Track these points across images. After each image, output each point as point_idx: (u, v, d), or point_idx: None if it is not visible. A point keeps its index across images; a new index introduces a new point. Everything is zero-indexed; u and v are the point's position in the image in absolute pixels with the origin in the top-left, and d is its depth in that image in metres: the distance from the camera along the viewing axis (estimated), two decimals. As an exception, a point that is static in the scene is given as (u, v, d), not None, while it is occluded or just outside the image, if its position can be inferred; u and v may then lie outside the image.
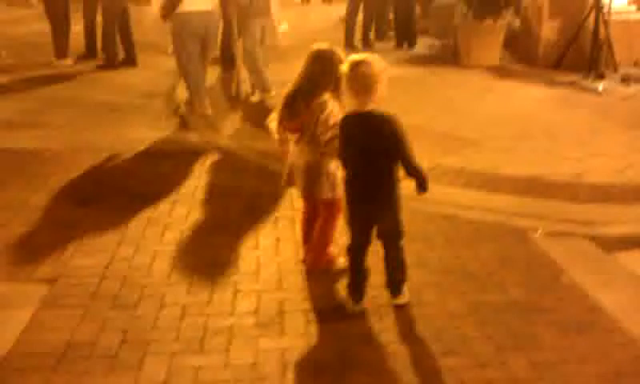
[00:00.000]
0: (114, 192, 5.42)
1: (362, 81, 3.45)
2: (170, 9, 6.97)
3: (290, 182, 4.16)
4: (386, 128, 3.46)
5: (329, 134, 3.77)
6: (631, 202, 5.17)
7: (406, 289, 3.81)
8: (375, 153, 3.52)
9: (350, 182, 3.67)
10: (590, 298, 3.88)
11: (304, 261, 4.21)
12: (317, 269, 4.13)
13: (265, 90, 7.98)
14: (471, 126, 6.85)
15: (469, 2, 9.27)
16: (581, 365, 3.29)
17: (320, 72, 3.82)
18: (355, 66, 3.45)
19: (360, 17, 11.09)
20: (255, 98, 8.05)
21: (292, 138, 4.06)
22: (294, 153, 4.03)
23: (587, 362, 3.31)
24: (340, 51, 3.89)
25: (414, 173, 3.53)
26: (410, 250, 3.91)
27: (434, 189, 5.31)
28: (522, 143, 6.40)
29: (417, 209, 4.75)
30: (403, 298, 3.79)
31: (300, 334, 3.53)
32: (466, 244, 4.56)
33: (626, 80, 8.33)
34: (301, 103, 3.85)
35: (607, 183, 5.47)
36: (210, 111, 7.48)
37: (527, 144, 6.37)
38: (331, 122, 3.77)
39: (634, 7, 9.03)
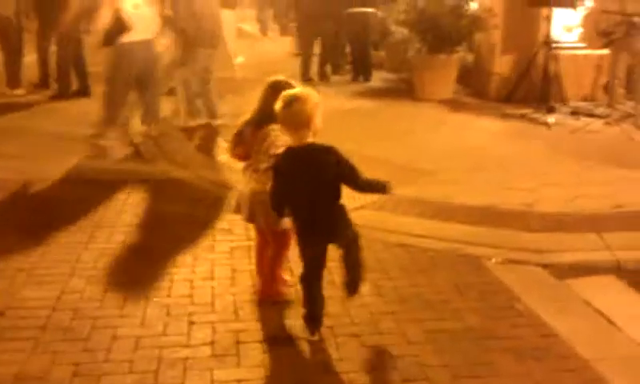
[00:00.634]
0: (63, 222, 5.29)
1: (297, 118, 3.50)
2: (113, 38, 6.92)
3: (239, 211, 4.15)
4: (330, 157, 3.50)
5: (265, 164, 3.79)
6: (582, 230, 5.27)
7: (364, 289, 3.84)
8: (321, 183, 3.54)
9: (296, 215, 3.67)
10: (544, 324, 3.92)
11: (256, 292, 4.17)
12: (268, 299, 4.06)
13: (212, 116, 8.04)
14: (426, 157, 6.92)
15: (423, 36, 9.44)
16: (537, 390, 3.32)
17: (272, 103, 3.72)
18: (289, 103, 3.49)
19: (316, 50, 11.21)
20: (192, 123, 8.04)
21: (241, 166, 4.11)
22: (242, 181, 4.06)
23: (542, 387, 3.35)
24: (295, 84, 3.89)
25: (370, 189, 3.64)
26: (367, 279, 3.90)
27: (389, 218, 5.46)
28: (475, 174, 6.50)
29: (373, 238, 4.79)
30: (359, 298, 3.85)
31: (256, 365, 3.47)
32: (421, 272, 4.58)
33: (575, 113, 8.56)
34: (248, 131, 3.91)
35: (558, 212, 5.58)
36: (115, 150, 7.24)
37: (480, 175, 6.47)
38: (272, 151, 3.77)
39: (582, 44, 9.32)
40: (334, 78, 11.26)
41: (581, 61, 9.31)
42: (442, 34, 9.20)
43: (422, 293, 4.29)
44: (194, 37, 7.64)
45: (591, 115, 8.49)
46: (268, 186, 3.73)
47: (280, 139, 3.77)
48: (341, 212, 3.64)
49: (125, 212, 5.56)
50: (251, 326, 3.83)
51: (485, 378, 3.39)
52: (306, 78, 10.83)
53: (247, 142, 3.94)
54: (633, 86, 8.35)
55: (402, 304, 4.13)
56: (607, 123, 8.09)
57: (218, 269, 4.53)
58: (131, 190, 6.05)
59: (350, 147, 3.72)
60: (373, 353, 3.62)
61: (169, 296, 4.17)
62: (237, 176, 4.18)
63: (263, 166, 3.81)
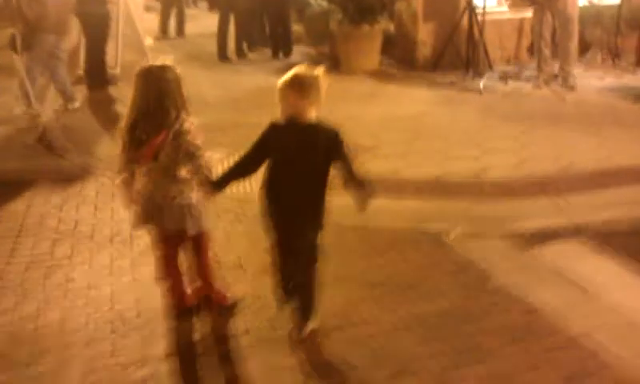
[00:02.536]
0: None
1: (306, 98, 3.15)
2: None
3: (143, 221, 3.51)
4: (337, 140, 3.19)
5: (203, 159, 3.34)
6: (534, 195, 5.15)
7: (311, 323, 3.42)
8: (317, 168, 3.22)
9: (274, 194, 3.30)
10: (521, 300, 3.75)
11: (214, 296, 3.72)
12: (223, 302, 3.69)
13: (68, 100, 7.79)
14: (363, 132, 6.64)
15: (344, 7, 9.13)
16: (534, 371, 3.12)
17: (164, 91, 3.27)
18: (297, 81, 3.15)
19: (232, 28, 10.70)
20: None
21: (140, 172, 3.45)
22: (146, 186, 3.43)
23: (538, 368, 3.15)
24: (169, 62, 3.37)
25: (363, 186, 3.30)
26: (330, 266, 3.58)
27: (338, 200, 5.14)
28: (416, 146, 6.28)
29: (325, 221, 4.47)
30: (306, 330, 3.40)
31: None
32: (384, 255, 4.33)
33: (503, 78, 8.49)
34: (147, 127, 3.26)
35: (507, 179, 5.45)
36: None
37: (421, 146, 6.27)
38: (198, 141, 3.33)
39: (504, 7, 9.25)
40: (252, 56, 10.80)
41: (503, 24, 9.26)
42: (364, 3, 8.91)
43: (391, 276, 4.03)
44: (35, 22, 7.14)
45: (519, 78, 8.44)
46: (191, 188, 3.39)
47: (193, 126, 3.35)
48: (322, 209, 3.32)
49: (46, 217, 5.00)
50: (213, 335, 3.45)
51: (475, 366, 3.17)
52: (223, 57, 10.35)
53: (150, 140, 3.26)
54: (557, 46, 8.32)
55: (372, 289, 3.86)
56: (536, 86, 8.05)
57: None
58: (50, 192, 5.48)
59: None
60: (355, 346, 3.32)
61: (111, 310, 3.72)
62: (130, 187, 3.53)
63: (203, 158, 3.34)
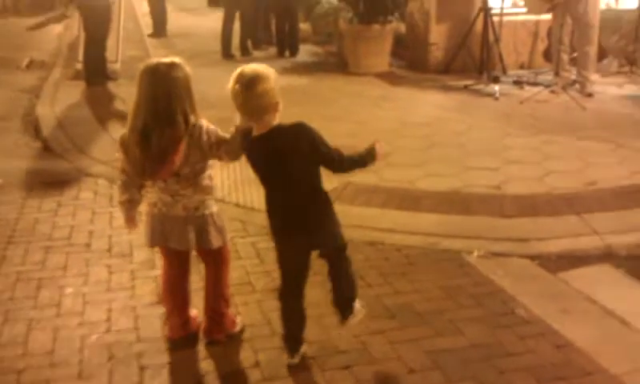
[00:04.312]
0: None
1: (262, 100, 2.79)
2: None
3: (159, 241, 3.16)
4: (302, 138, 2.86)
5: (234, 143, 2.96)
6: (561, 213, 4.83)
7: (359, 306, 3.23)
8: (296, 170, 2.90)
9: (271, 214, 3.02)
10: (555, 332, 3.42)
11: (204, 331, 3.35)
12: (221, 337, 3.30)
13: None
14: (374, 137, 6.30)
15: (354, 6, 8.81)
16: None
17: (175, 91, 2.91)
18: (249, 84, 2.76)
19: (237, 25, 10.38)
20: None
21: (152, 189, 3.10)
22: (160, 203, 3.07)
23: (580, 415, 2.84)
24: (178, 59, 3.00)
25: (357, 165, 3.09)
26: (360, 297, 3.29)
27: (351, 211, 4.84)
28: (431, 154, 5.98)
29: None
30: (356, 317, 3.22)
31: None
32: (402, 276, 4.01)
33: (518, 82, 8.18)
34: (162, 136, 2.86)
35: (531, 194, 5.14)
36: None
37: (437, 154, 5.96)
38: (219, 133, 3.01)
39: (520, 9, 8.93)
40: (256, 54, 10.48)
41: (518, 27, 8.96)
42: (376, 2, 8.59)
43: (410, 302, 3.70)
44: None
45: (535, 84, 8.13)
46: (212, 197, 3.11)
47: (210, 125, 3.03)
48: (325, 206, 3.02)
49: (39, 223, 4.69)
50: (219, 367, 3.13)
51: (510, 411, 2.86)
52: (227, 55, 10.04)
53: (169, 152, 2.90)
54: (574, 52, 8.01)
55: (391, 319, 3.53)
56: (553, 92, 7.73)
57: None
58: (44, 195, 5.17)
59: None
60: (371, 387, 3.01)
61: (107, 331, 3.39)
62: (134, 211, 3.21)
63: (233, 144, 2.96)
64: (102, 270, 4.01)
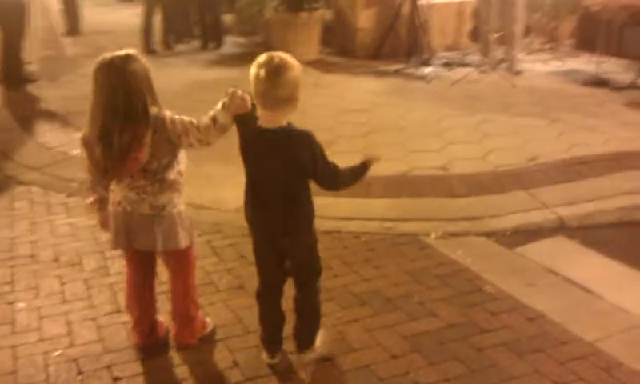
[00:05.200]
0: None
1: (283, 90, 2.63)
2: None
3: (123, 243, 2.99)
4: (305, 148, 2.74)
5: (208, 132, 2.81)
6: (507, 189, 4.93)
7: (319, 342, 3.08)
8: (290, 177, 2.78)
9: (252, 205, 2.89)
10: (524, 306, 3.48)
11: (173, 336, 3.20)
12: (193, 341, 3.16)
13: None
14: (315, 125, 6.09)
15: (280, -6, 8.71)
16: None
17: (135, 85, 2.76)
18: (275, 71, 2.61)
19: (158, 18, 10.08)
20: None
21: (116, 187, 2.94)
22: (125, 202, 2.91)
23: (565, 385, 2.88)
24: (139, 56, 2.87)
25: (356, 178, 3.02)
26: (323, 328, 3.16)
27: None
28: (374, 139, 5.97)
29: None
30: (313, 353, 3.04)
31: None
32: (366, 263, 3.98)
33: (448, 64, 8.30)
34: (124, 133, 2.72)
35: (476, 172, 5.21)
36: None
37: (380, 139, 5.96)
38: (185, 121, 2.84)
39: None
40: (179, 47, 10.21)
41: (442, 9, 9.06)
42: (302, -10, 8.52)
43: (379, 288, 3.67)
44: None
45: (464, 65, 8.26)
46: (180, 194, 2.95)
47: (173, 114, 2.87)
48: (306, 218, 2.91)
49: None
50: (197, 372, 3.00)
51: (500, 386, 2.87)
52: (148, 49, 9.72)
53: (132, 148, 2.75)
54: (501, 31, 8.18)
55: (363, 307, 3.49)
56: (482, 71, 7.88)
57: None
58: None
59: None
60: (355, 376, 2.95)
61: (72, 345, 3.20)
62: (105, 210, 3.05)
63: (208, 132, 2.81)
64: (53, 282, 3.78)
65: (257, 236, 2.94)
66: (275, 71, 2.60)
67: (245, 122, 2.77)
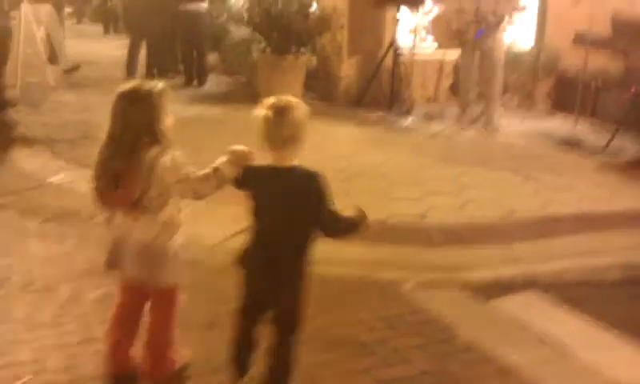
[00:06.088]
0: None
1: (288, 130, 2.74)
2: None
3: (113, 265, 3.02)
4: (313, 190, 2.80)
5: (181, 180, 2.83)
6: (483, 242, 4.99)
7: None
8: (296, 221, 2.82)
9: (253, 246, 2.89)
10: (497, 358, 3.50)
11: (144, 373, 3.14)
12: (164, 376, 3.10)
13: None
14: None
15: (268, 36, 8.82)
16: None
17: (136, 115, 2.81)
18: (280, 111, 2.73)
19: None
20: None
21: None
22: (123, 225, 2.94)
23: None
24: (161, 87, 2.96)
25: (350, 230, 2.99)
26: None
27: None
28: (354, 185, 6.01)
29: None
30: None
31: None
32: (340, 307, 4.00)
33: (428, 118, 8.45)
34: (121, 164, 2.79)
35: (454, 223, 5.27)
36: None
37: (360, 185, 6.01)
38: (180, 164, 2.83)
39: (428, 46, 9.25)
40: (163, 83, 10.25)
41: (425, 63, 9.25)
42: (290, 33, 8.64)
43: (354, 333, 3.69)
44: None
45: (443, 118, 8.42)
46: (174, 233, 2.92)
47: (176, 155, 2.86)
48: (301, 269, 2.92)
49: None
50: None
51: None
52: (131, 83, 9.76)
53: (126, 179, 2.80)
54: (480, 88, 8.38)
55: (337, 350, 3.50)
56: (461, 126, 8.03)
57: (97, 328, 3.53)
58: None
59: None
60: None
61: (38, 374, 3.14)
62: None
63: (204, 184, 2.84)
64: (20, 309, 3.72)
65: (250, 272, 2.92)
66: (282, 111, 2.73)
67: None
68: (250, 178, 2.84)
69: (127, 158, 2.75)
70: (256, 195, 2.84)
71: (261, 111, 2.76)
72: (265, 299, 2.91)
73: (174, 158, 2.84)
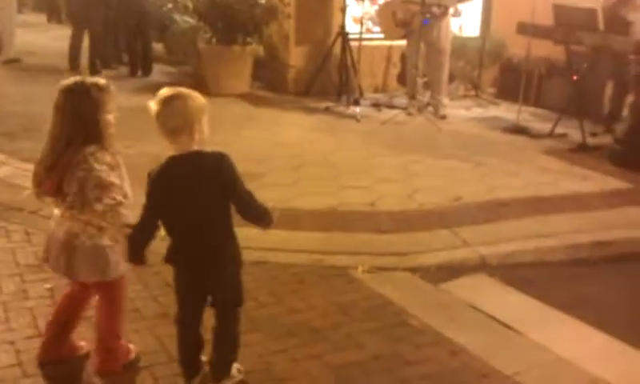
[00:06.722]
0: None
1: (176, 120, 2.71)
2: None
3: (46, 259, 3.03)
4: (221, 168, 2.78)
5: (108, 200, 2.77)
6: (431, 227, 5.05)
7: (236, 371, 3.05)
8: (210, 202, 2.80)
9: (176, 246, 2.87)
10: (448, 340, 3.55)
11: (43, 357, 3.09)
12: (117, 368, 3.09)
13: None
14: (245, 158, 6.13)
15: (214, 26, 8.72)
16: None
17: (79, 113, 2.81)
18: (167, 101, 2.71)
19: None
20: None
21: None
22: (53, 220, 2.97)
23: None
24: (106, 83, 2.97)
25: (262, 218, 2.96)
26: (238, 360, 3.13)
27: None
28: (304, 173, 6.03)
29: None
30: (231, 381, 3.01)
31: None
32: (293, 294, 3.99)
33: (376, 105, 8.49)
34: (56, 157, 2.81)
35: (403, 210, 5.32)
36: None
37: (309, 174, 6.02)
38: (108, 179, 2.80)
39: (375, 34, 9.27)
40: (106, 73, 10.04)
41: (372, 52, 9.28)
42: (236, 23, 8.56)
43: (306, 319, 3.69)
44: None
45: (391, 106, 8.47)
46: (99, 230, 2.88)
47: (107, 158, 2.85)
48: (233, 252, 2.92)
49: None
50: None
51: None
52: (74, 73, 9.52)
53: (56, 171, 2.81)
54: (427, 76, 8.46)
55: (291, 337, 3.49)
56: (409, 114, 8.10)
57: (42, 323, 3.43)
58: None
59: (152, 149, 2.92)
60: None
61: (-16, 368, 3.06)
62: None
63: (105, 201, 2.77)
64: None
65: (180, 275, 2.92)
66: (164, 101, 2.71)
67: None
68: (156, 181, 2.79)
69: (62, 152, 2.76)
70: (162, 194, 2.79)
71: (150, 103, 2.75)
72: (200, 287, 2.91)
73: (99, 176, 2.77)
